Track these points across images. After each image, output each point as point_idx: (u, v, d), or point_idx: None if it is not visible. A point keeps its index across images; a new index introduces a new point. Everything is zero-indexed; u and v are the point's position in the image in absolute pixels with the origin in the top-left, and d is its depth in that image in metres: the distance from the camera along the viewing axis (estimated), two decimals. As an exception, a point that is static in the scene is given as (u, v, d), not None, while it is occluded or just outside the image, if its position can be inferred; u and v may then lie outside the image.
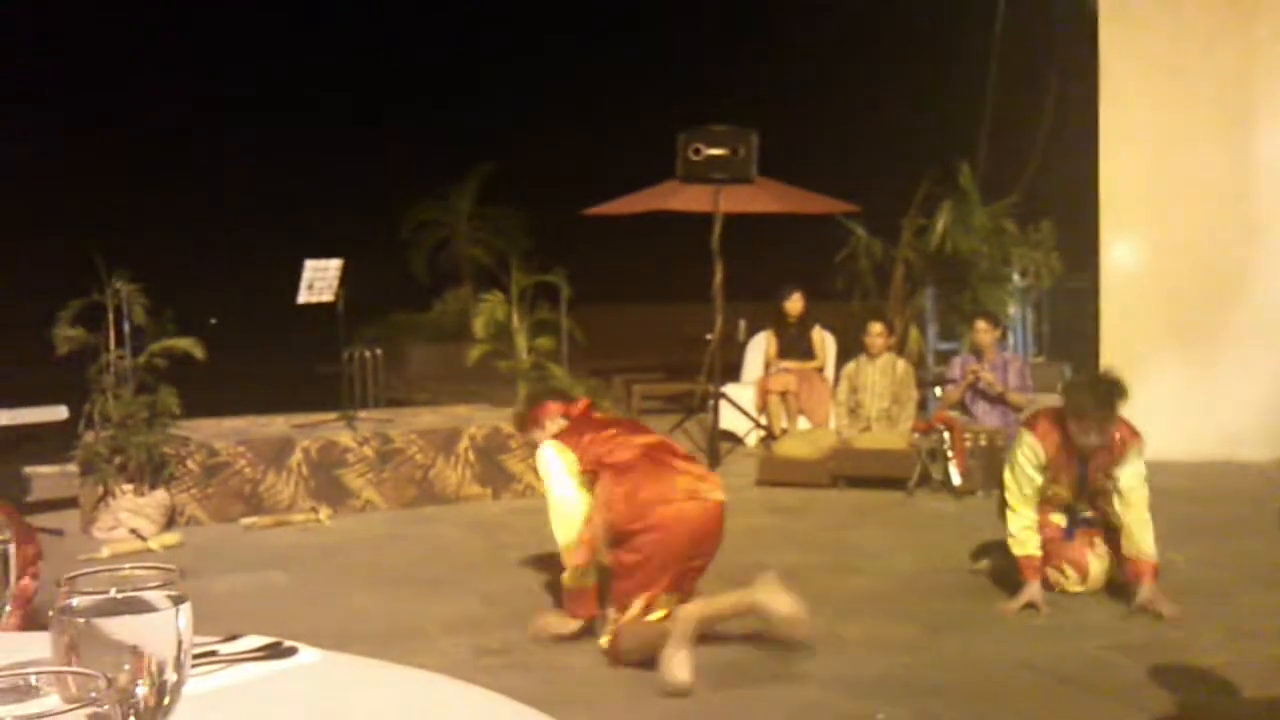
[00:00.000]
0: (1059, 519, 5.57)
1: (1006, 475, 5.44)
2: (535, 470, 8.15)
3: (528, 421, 5.30)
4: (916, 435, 8.38)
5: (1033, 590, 5.19)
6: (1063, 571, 5.41)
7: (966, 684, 4.31)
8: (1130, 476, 5.23)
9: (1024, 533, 5.29)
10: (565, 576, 4.84)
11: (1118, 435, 5.20)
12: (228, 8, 27.82)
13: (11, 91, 22.15)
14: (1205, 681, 4.23)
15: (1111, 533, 5.51)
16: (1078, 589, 5.38)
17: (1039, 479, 5.32)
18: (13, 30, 21.58)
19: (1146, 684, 4.20)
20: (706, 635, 4.55)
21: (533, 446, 5.22)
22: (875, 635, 4.90)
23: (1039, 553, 5.26)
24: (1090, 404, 5.12)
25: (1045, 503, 5.51)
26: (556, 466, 4.85)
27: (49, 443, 7.34)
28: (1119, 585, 5.43)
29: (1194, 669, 4.35)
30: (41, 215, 21.73)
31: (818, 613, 5.19)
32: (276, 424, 8.40)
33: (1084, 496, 5.51)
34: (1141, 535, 5.18)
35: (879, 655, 4.64)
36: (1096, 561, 5.41)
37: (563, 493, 4.84)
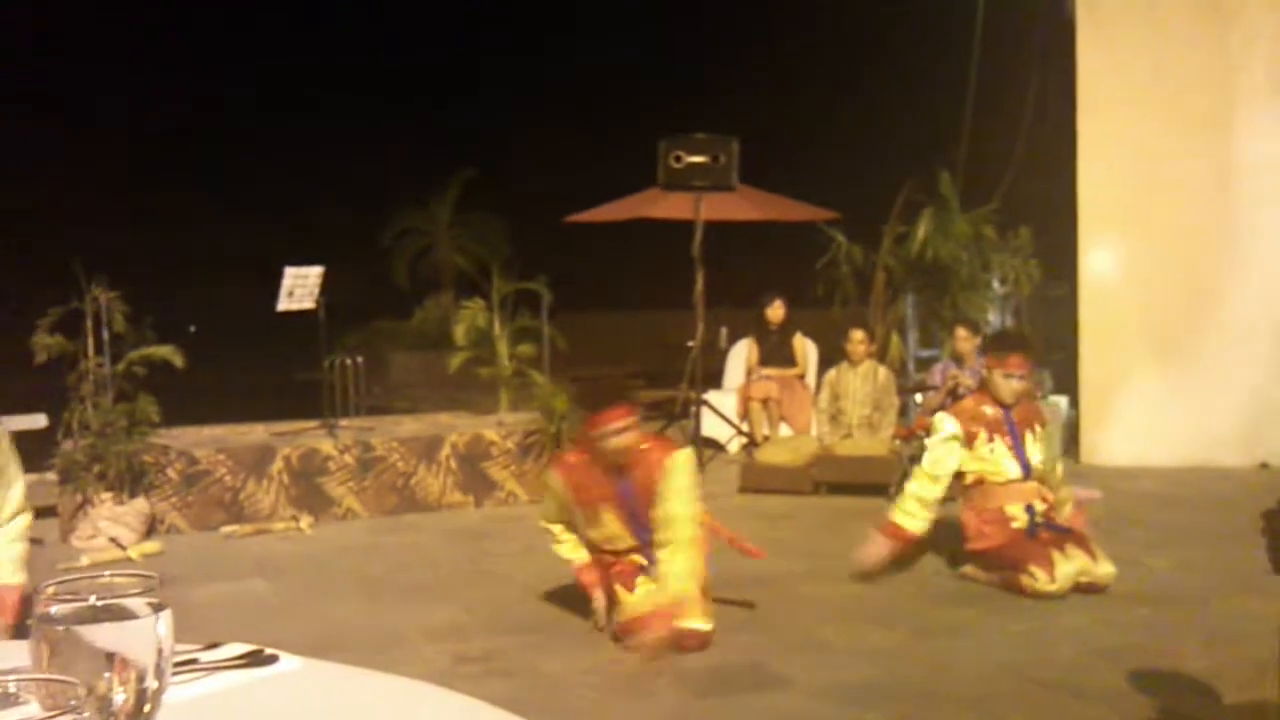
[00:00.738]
0: (1019, 519, 5.67)
1: (924, 459, 5.83)
2: (516, 478, 8.25)
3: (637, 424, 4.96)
4: (898, 442, 8.41)
5: (880, 551, 5.65)
6: (1032, 574, 5.45)
7: (949, 689, 4.32)
8: (1049, 447, 5.91)
9: (916, 507, 5.67)
10: (691, 584, 4.73)
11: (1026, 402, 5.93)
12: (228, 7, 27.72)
13: (12, 91, 22.05)
14: (1186, 686, 4.24)
15: (1081, 537, 5.59)
16: (1049, 589, 5.41)
17: (954, 461, 5.73)
18: (13, 30, 21.47)
19: (1127, 689, 4.21)
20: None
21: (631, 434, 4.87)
22: (857, 641, 4.91)
23: (918, 532, 5.68)
24: (1014, 343, 5.95)
25: (996, 487, 5.76)
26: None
27: (27, 451, 7.26)
28: (1093, 589, 5.47)
29: (1175, 674, 4.37)
30: (17, 220, 21.59)
31: (801, 619, 5.21)
32: (257, 432, 8.37)
33: (1030, 470, 5.78)
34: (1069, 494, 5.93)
35: (861, 661, 4.65)
36: (1065, 562, 5.46)
37: None
